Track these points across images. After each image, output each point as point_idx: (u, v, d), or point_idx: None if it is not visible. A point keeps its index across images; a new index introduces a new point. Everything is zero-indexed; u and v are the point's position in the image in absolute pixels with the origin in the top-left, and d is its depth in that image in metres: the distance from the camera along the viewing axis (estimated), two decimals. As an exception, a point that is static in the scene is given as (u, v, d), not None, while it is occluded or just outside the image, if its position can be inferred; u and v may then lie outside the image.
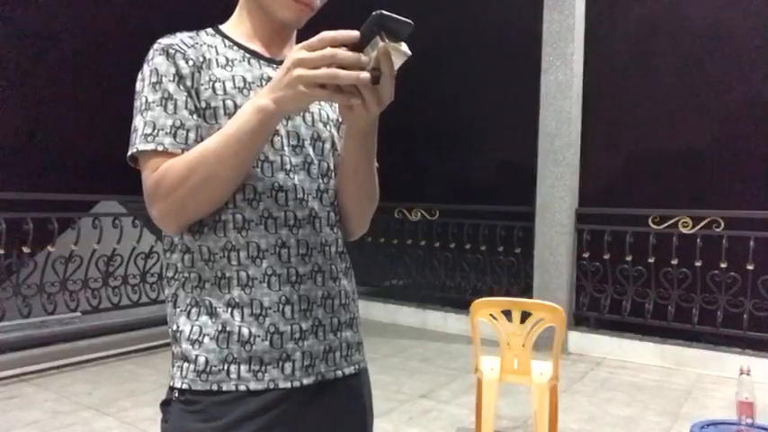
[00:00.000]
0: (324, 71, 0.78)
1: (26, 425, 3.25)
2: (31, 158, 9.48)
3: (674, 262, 4.69)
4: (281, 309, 0.95)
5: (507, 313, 2.88)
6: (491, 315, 2.88)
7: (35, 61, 9.72)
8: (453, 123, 9.30)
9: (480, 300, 2.96)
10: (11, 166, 8.86)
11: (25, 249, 4.30)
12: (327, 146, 1.04)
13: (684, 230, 4.66)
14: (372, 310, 6.12)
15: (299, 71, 0.79)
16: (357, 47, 0.78)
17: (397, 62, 0.79)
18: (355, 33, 0.77)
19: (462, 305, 5.47)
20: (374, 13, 0.75)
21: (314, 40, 0.79)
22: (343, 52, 0.77)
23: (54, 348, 4.38)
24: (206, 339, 0.94)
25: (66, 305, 4.58)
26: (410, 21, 0.76)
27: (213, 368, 0.92)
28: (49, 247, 4.50)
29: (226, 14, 1.09)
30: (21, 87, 9.58)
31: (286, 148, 0.98)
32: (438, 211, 6.10)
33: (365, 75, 0.78)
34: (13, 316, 4.33)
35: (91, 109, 9.85)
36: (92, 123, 9.83)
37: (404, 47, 0.78)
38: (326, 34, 0.78)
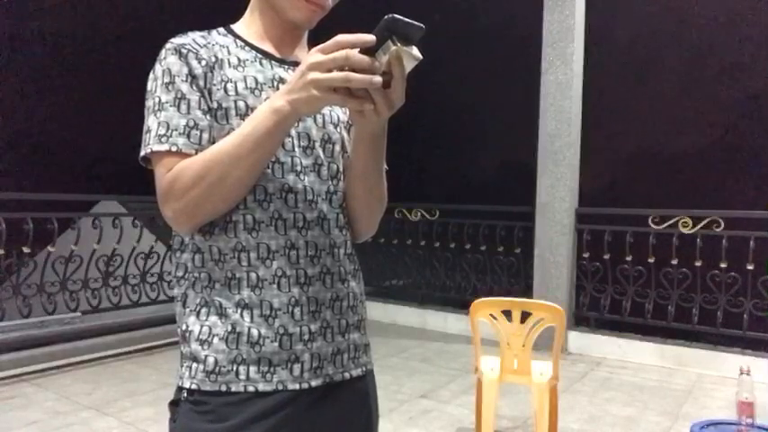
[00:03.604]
0: (336, 75, 0.78)
1: (26, 425, 3.24)
2: (32, 158, 9.47)
3: (674, 262, 4.69)
4: (290, 310, 0.95)
5: (507, 313, 2.88)
6: (491, 315, 2.89)
7: (35, 61, 9.70)
8: (453, 123, 9.30)
9: (480, 300, 2.96)
10: (11, 166, 8.85)
11: (25, 249, 4.29)
12: (337, 148, 1.04)
13: (684, 230, 4.67)
14: (372, 310, 6.11)
15: (313, 75, 0.79)
16: (369, 50, 0.77)
17: (409, 66, 0.79)
18: (371, 37, 0.77)
19: (462, 305, 5.47)
20: (386, 16, 0.75)
21: (330, 43, 0.79)
22: (356, 54, 0.77)
23: (54, 348, 4.38)
24: (215, 340, 0.94)
25: (66, 305, 4.58)
26: (422, 25, 0.76)
27: (222, 369, 0.93)
28: (49, 247, 4.49)
29: (227, 14, 1.09)
30: (21, 87, 9.57)
31: (297, 150, 0.98)
32: (438, 211, 6.10)
33: (378, 79, 0.78)
34: (13, 316, 4.32)
35: (91, 109, 9.84)
36: (92, 123, 9.81)
37: (415, 51, 0.78)
38: (342, 37, 0.78)
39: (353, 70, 0.77)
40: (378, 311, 6.19)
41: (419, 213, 6.20)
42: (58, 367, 4.25)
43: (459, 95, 9.01)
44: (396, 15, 0.75)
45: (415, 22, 0.76)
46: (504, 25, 7.97)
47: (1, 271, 4.25)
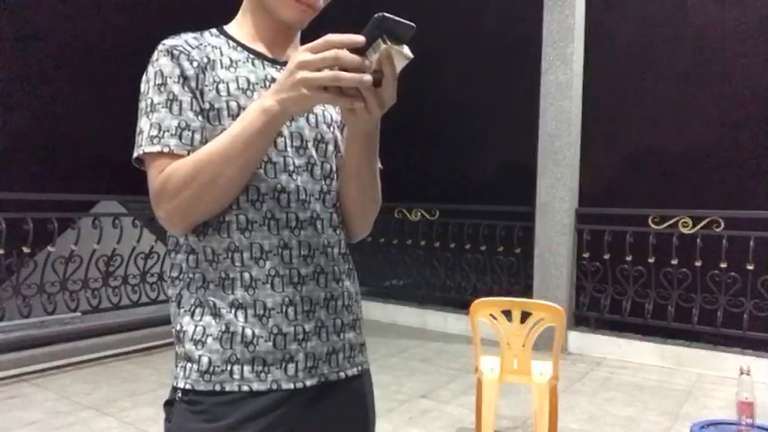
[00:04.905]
0: (326, 74, 0.78)
1: (26, 425, 3.25)
2: (32, 158, 9.48)
3: (674, 262, 4.69)
4: (284, 310, 0.95)
5: (507, 313, 2.88)
6: (491, 315, 2.89)
7: (35, 62, 9.72)
8: (453, 123, 9.29)
9: (480, 300, 2.96)
10: (11, 166, 8.86)
11: (25, 249, 4.29)
12: (330, 147, 1.04)
13: (684, 230, 4.67)
14: (372, 310, 6.12)
15: (302, 74, 0.79)
16: (359, 49, 0.77)
17: (399, 65, 0.79)
18: (360, 38, 0.77)
19: (462, 305, 5.47)
20: (376, 15, 0.75)
21: (318, 42, 0.79)
22: (346, 54, 0.77)
23: (54, 348, 4.38)
24: (209, 340, 0.94)
25: (66, 305, 4.58)
26: (412, 23, 0.76)
27: (216, 368, 0.93)
28: (49, 247, 4.50)
29: (227, 15, 1.09)
30: (21, 88, 9.58)
31: (289, 150, 0.98)
32: (438, 211, 6.10)
33: (367, 77, 0.77)
34: (13, 316, 4.33)
35: (91, 109, 9.85)
36: (92, 123, 9.82)
37: (406, 49, 0.78)
38: (331, 37, 0.78)
39: (344, 69, 0.77)
40: (378, 311, 6.19)
41: (419, 213, 6.19)
42: (58, 367, 4.26)
43: (459, 95, 9.01)
44: (385, 14, 0.75)
45: (406, 21, 0.76)
46: (504, 25, 7.96)
47: (1, 271, 4.25)
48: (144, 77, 0.96)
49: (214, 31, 1.03)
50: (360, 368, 1.06)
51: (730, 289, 4.48)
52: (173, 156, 0.91)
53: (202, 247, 0.95)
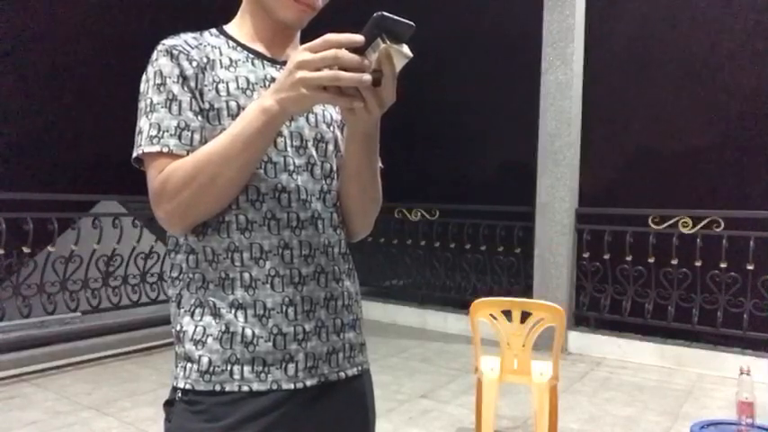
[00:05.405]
0: (325, 73, 0.78)
1: (26, 425, 3.25)
2: (32, 158, 9.48)
3: (674, 262, 4.69)
4: (284, 310, 0.95)
5: (507, 313, 2.88)
6: (491, 315, 2.89)
7: (35, 62, 9.72)
8: (453, 123, 9.29)
9: (480, 300, 2.96)
10: (11, 165, 8.86)
11: (25, 249, 4.29)
12: (331, 147, 1.04)
13: (684, 230, 4.66)
14: (372, 310, 6.12)
15: (302, 73, 0.79)
16: (358, 49, 0.77)
17: (399, 64, 0.79)
18: (360, 38, 0.77)
19: (462, 305, 5.47)
20: (375, 14, 0.75)
21: (317, 41, 0.79)
22: (345, 54, 0.77)
23: (54, 348, 4.38)
24: (209, 340, 0.94)
25: (66, 305, 4.58)
26: (411, 22, 0.76)
27: (216, 369, 0.93)
28: (49, 247, 4.50)
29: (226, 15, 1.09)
30: (21, 88, 9.58)
31: (289, 149, 0.98)
32: (438, 211, 6.10)
33: (367, 77, 0.77)
34: (13, 316, 4.33)
35: (91, 109, 9.85)
36: (92, 124, 9.83)
37: (405, 48, 0.78)
38: (330, 37, 0.78)
39: (343, 68, 0.77)
40: (378, 311, 6.18)
41: (419, 213, 6.20)
42: (58, 367, 4.26)
43: (460, 95, 9.01)
44: (384, 13, 0.75)
45: (405, 20, 0.76)
46: (504, 25, 7.97)
47: (1, 271, 4.25)
48: (144, 77, 0.96)
49: (214, 30, 1.03)
50: (360, 368, 1.06)
51: (730, 289, 4.48)
52: (172, 156, 0.90)
53: (202, 248, 0.95)
